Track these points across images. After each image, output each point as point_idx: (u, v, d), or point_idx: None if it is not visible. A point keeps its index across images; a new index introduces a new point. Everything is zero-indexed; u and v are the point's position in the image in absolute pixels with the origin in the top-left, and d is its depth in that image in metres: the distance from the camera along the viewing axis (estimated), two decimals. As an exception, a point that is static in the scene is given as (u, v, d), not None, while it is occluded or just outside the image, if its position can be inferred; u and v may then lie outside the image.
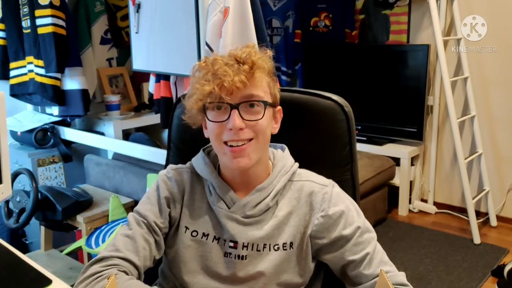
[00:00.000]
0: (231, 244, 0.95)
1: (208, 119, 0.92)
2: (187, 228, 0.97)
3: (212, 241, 0.96)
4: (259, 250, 0.94)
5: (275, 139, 1.07)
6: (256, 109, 0.91)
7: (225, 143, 0.91)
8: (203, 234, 0.97)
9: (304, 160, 1.05)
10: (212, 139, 0.95)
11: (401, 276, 0.91)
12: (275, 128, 0.99)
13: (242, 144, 0.90)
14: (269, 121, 0.95)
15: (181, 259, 0.97)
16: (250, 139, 0.91)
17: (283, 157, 1.02)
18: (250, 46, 0.93)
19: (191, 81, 0.94)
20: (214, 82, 0.87)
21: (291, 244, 0.95)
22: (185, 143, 1.14)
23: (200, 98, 0.90)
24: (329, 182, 0.99)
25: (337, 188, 0.99)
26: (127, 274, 0.89)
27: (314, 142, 1.10)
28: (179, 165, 1.05)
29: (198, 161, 1.01)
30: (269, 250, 0.94)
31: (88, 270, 0.88)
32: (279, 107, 1.00)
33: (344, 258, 0.93)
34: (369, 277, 0.91)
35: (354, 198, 1.09)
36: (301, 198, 0.97)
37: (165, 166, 1.22)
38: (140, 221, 0.96)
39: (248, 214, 0.95)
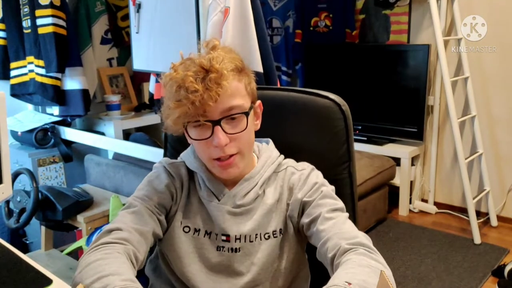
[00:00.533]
0: (223, 237, 0.95)
1: (192, 138, 0.92)
2: (181, 223, 0.98)
3: (204, 236, 0.97)
4: (252, 241, 0.95)
5: (273, 138, 1.07)
6: (238, 120, 0.90)
7: (214, 159, 0.91)
8: (195, 229, 0.97)
9: (302, 158, 1.06)
10: (199, 154, 0.96)
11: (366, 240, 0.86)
12: (257, 124, 0.99)
13: (230, 157, 0.90)
14: (252, 124, 0.94)
15: (177, 254, 0.97)
16: (237, 153, 0.91)
17: (267, 149, 1.03)
18: (214, 48, 0.90)
19: (165, 93, 0.91)
20: (186, 101, 0.84)
21: (280, 230, 0.97)
22: (182, 143, 1.14)
23: (178, 118, 0.88)
24: (308, 165, 1.01)
25: (315, 171, 1.00)
26: (129, 254, 0.85)
27: (312, 141, 1.10)
28: (173, 160, 1.04)
29: (188, 155, 1.02)
30: (260, 240, 0.96)
31: (98, 241, 0.86)
32: (258, 102, 0.99)
33: (304, 222, 0.93)
34: (323, 233, 0.87)
35: (352, 196, 1.10)
36: (284, 185, 0.99)
37: None
38: (141, 202, 0.94)
39: (238, 204, 0.95)
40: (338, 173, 1.09)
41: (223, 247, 0.96)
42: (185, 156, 1.02)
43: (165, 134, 1.24)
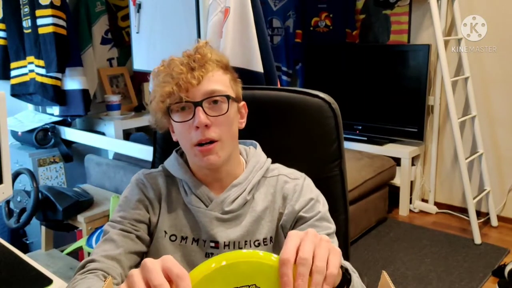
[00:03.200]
0: (212, 244, 0.95)
1: (174, 121, 0.93)
2: (165, 232, 0.97)
3: (192, 244, 0.96)
4: (241, 248, 0.95)
5: (265, 137, 1.07)
6: (219, 104, 0.91)
7: (194, 145, 0.91)
8: (182, 237, 0.96)
9: (293, 157, 1.06)
10: (181, 142, 0.96)
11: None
12: (242, 123, 0.99)
13: (210, 143, 0.90)
14: (234, 116, 0.95)
15: None
16: (217, 141, 0.91)
17: (256, 153, 1.03)
18: (201, 43, 0.94)
19: (153, 86, 0.94)
20: (172, 82, 0.88)
21: (271, 238, 0.96)
22: (169, 143, 1.15)
23: (162, 100, 0.90)
24: (301, 175, 1.01)
25: (308, 180, 1.00)
26: (105, 276, 0.87)
27: (303, 140, 1.11)
28: (151, 170, 1.04)
29: (172, 163, 1.01)
30: (250, 246, 0.95)
31: (73, 277, 0.87)
32: (243, 102, 1.00)
33: None
34: None
35: (343, 192, 1.11)
36: (276, 193, 0.98)
37: (152, 167, 1.23)
38: (115, 225, 0.94)
39: (226, 210, 0.95)
40: (329, 171, 1.10)
41: (212, 253, 0.95)
42: (169, 163, 1.02)
43: (154, 136, 1.24)
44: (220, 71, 0.93)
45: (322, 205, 0.97)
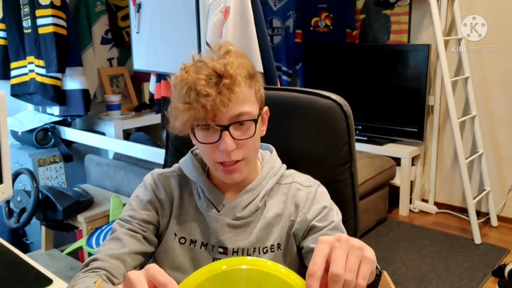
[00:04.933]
0: (221, 250, 0.94)
1: (198, 141, 0.90)
2: (175, 234, 0.97)
3: (200, 248, 0.95)
4: (250, 255, 0.94)
5: (274, 138, 1.06)
6: (246, 125, 0.88)
7: (218, 162, 0.90)
8: (191, 241, 0.96)
9: (303, 159, 1.05)
10: (203, 155, 0.95)
11: None
12: (263, 130, 0.98)
13: (235, 162, 0.89)
14: (259, 130, 0.93)
15: (172, 266, 0.96)
16: (242, 159, 0.90)
17: (271, 158, 1.01)
18: (228, 52, 0.89)
19: (174, 94, 0.90)
20: (197, 104, 0.83)
21: (279, 245, 0.95)
22: (183, 143, 1.14)
23: (185, 123, 0.87)
24: (314, 182, 1.00)
25: (321, 188, 0.99)
26: (107, 275, 0.87)
27: (313, 141, 1.10)
28: (165, 170, 1.03)
29: (187, 164, 1.00)
30: (259, 253, 0.94)
31: (77, 275, 0.87)
32: (265, 108, 0.97)
33: (308, 246, 0.92)
34: None
35: (353, 196, 1.09)
36: (287, 200, 0.97)
37: (164, 166, 1.22)
38: (123, 224, 0.94)
39: (238, 216, 0.94)
40: (340, 174, 1.08)
41: (219, 259, 0.94)
42: (184, 164, 1.01)
43: (167, 134, 1.22)
44: (247, 85, 0.88)
45: (336, 214, 0.95)
